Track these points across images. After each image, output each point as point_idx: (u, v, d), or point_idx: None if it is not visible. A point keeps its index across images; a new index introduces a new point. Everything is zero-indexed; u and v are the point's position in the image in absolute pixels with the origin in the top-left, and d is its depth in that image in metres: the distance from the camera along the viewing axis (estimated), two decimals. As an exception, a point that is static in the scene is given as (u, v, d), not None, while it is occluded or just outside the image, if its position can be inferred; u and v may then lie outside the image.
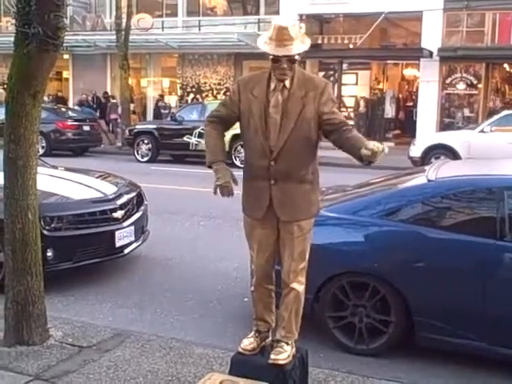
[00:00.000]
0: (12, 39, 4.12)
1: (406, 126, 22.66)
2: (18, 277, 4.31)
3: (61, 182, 6.75)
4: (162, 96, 24.46)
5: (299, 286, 3.54)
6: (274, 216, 3.49)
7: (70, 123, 19.34)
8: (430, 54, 19.65)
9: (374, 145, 3.08)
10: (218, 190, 3.47)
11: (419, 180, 5.00)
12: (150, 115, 25.71)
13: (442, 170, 5.04)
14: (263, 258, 3.59)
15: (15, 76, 4.10)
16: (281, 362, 3.51)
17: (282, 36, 3.25)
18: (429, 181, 4.79)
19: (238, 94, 3.50)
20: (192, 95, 24.87)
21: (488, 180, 4.68)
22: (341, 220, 4.88)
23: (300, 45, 3.30)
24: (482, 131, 14.99)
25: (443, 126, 19.97)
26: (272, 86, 3.42)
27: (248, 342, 3.67)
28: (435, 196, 4.66)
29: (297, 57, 3.31)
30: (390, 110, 22.97)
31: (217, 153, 3.55)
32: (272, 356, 3.53)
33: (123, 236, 6.51)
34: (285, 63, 3.29)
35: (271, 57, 3.31)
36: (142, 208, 7.10)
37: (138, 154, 18.12)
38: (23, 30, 3.91)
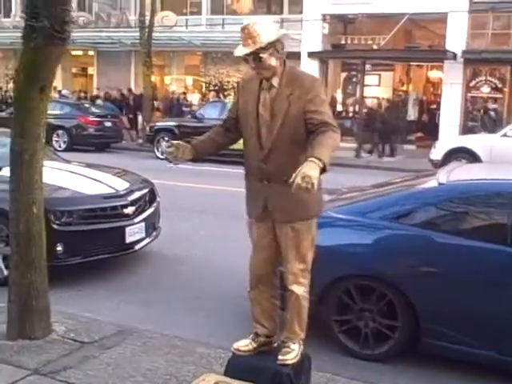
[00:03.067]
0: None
1: (428, 129, 22.34)
2: (22, 271, 4.30)
3: (72, 177, 6.76)
4: (184, 94, 24.49)
5: (298, 288, 3.47)
6: (269, 217, 3.45)
7: (91, 119, 19.48)
8: (454, 56, 19.39)
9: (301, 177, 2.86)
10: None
11: (430, 183, 4.91)
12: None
13: (454, 174, 4.93)
14: (258, 259, 3.56)
15: (22, 70, 4.10)
16: (289, 362, 3.46)
17: (242, 36, 3.29)
18: (439, 184, 4.70)
19: (238, 94, 3.58)
20: (214, 93, 24.88)
21: (499, 184, 4.56)
22: (349, 222, 4.81)
23: (247, 46, 3.25)
24: (504, 135, 14.72)
25: (466, 130, 19.68)
26: (263, 85, 3.42)
27: (243, 343, 3.63)
28: (445, 200, 4.55)
29: (264, 55, 3.25)
30: (412, 112, 22.71)
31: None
32: (280, 357, 3.48)
33: (134, 232, 6.51)
34: (251, 62, 3.31)
35: None
36: (154, 204, 7.09)
37: (157, 150, 18.13)
38: (30, 23, 3.91)
